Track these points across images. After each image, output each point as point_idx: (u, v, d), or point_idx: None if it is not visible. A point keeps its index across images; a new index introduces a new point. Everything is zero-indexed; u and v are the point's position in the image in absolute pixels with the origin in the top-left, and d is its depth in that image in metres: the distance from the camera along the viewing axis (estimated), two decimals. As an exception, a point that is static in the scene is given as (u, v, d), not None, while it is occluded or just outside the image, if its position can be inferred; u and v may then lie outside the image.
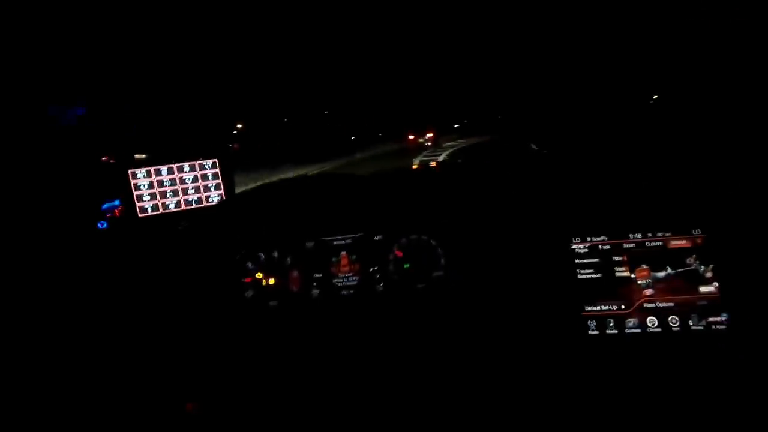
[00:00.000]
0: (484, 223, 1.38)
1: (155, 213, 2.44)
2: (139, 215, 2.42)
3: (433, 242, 1.40)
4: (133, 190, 2.42)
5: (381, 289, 1.41)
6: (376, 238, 1.43)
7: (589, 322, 1.33)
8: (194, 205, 2.50)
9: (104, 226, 2.38)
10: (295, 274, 1.45)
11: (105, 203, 2.43)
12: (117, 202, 2.42)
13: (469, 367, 1.31)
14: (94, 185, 2.39)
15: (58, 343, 1.46)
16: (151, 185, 2.44)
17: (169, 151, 2.48)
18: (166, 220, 2.44)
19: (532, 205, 1.39)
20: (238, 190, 2.56)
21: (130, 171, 2.42)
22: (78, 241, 2.12)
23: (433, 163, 2.62)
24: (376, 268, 1.42)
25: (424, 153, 17.92)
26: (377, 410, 1.31)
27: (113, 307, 1.50)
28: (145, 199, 2.43)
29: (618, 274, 1.33)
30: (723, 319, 1.26)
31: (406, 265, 1.40)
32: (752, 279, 1.23)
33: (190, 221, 1.58)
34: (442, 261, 1.40)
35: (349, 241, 1.44)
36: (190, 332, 1.43)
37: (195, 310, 1.44)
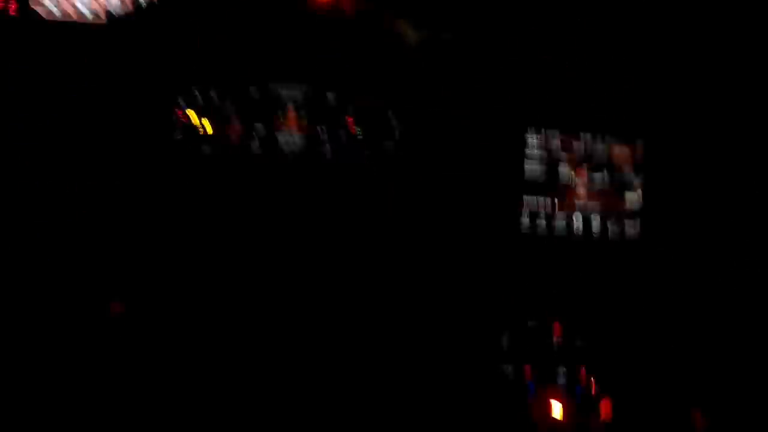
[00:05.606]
0: (446, 99, 1.32)
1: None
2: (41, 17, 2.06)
3: (389, 111, 1.32)
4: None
5: (328, 152, 1.33)
6: (329, 95, 1.31)
7: (522, 219, 1.37)
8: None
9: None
10: (235, 121, 1.31)
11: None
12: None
13: (401, 239, 1.33)
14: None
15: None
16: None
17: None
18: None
19: (495, 93, 1.35)
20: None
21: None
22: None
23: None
24: (324, 128, 1.32)
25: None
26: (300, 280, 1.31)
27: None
28: (47, -3, 2.05)
29: (561, 168, 1.38)
30: (637, 227, 1.38)
31: (359, 130, 1.32)
32: (672, 194, 1.33)
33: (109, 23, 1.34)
34: (396, 133, 1.33)
35: (297, 92, 1.31)
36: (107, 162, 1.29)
37: (115, 139, 1.29)
